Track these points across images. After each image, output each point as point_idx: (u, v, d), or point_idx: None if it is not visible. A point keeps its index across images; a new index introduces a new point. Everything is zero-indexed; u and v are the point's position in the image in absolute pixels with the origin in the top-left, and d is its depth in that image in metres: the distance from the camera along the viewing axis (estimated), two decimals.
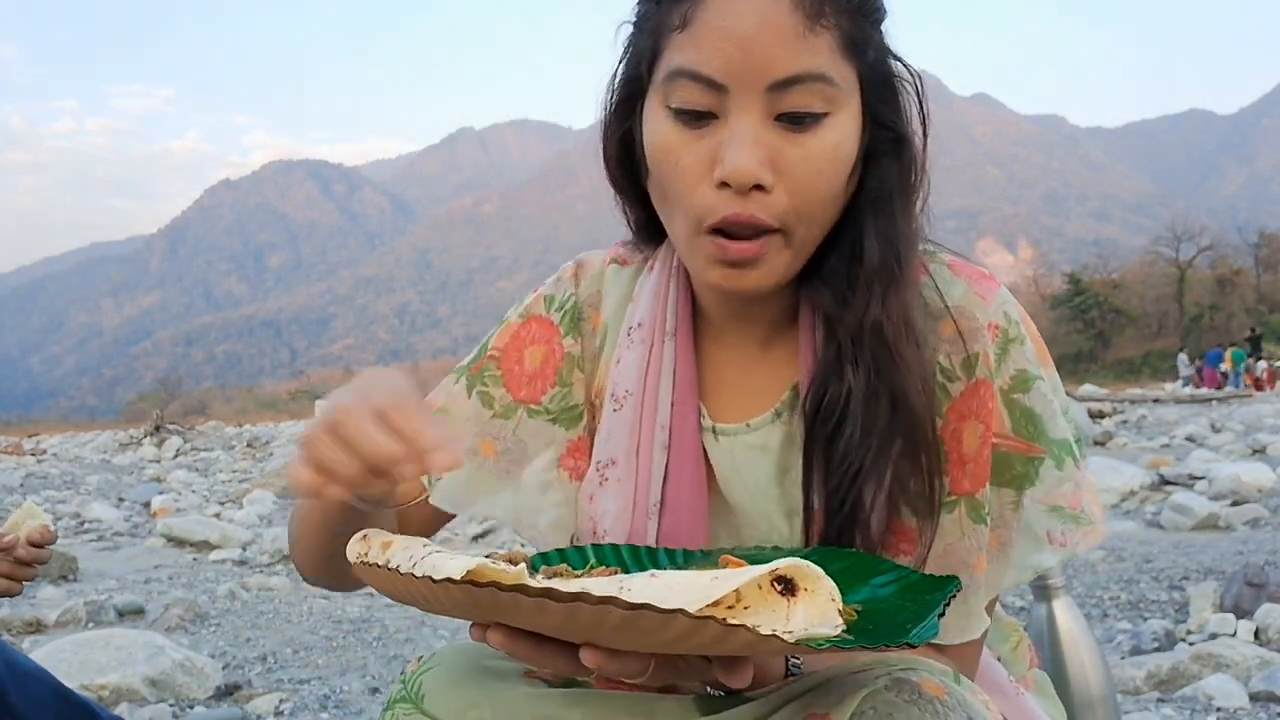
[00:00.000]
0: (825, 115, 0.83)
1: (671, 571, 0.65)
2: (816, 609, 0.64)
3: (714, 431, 0.96)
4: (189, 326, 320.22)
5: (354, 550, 0.71)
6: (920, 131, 0.90)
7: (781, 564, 0.63)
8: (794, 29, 0.81)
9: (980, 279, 0.92)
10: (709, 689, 0.84)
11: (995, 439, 0.89)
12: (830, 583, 0.65)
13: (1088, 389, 21.34)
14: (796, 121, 0.83)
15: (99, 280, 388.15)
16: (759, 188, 0.82)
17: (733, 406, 0.97)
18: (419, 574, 0.63)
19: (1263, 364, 27.13)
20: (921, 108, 0.90)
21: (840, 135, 0.84)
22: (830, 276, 0.90)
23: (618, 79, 0.94)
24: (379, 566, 0.67)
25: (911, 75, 0.90)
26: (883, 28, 0.88)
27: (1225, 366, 26.83)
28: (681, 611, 0.58)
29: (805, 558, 0.84)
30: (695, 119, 0.84)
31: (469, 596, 0.62)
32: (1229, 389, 23.85)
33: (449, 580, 0.61)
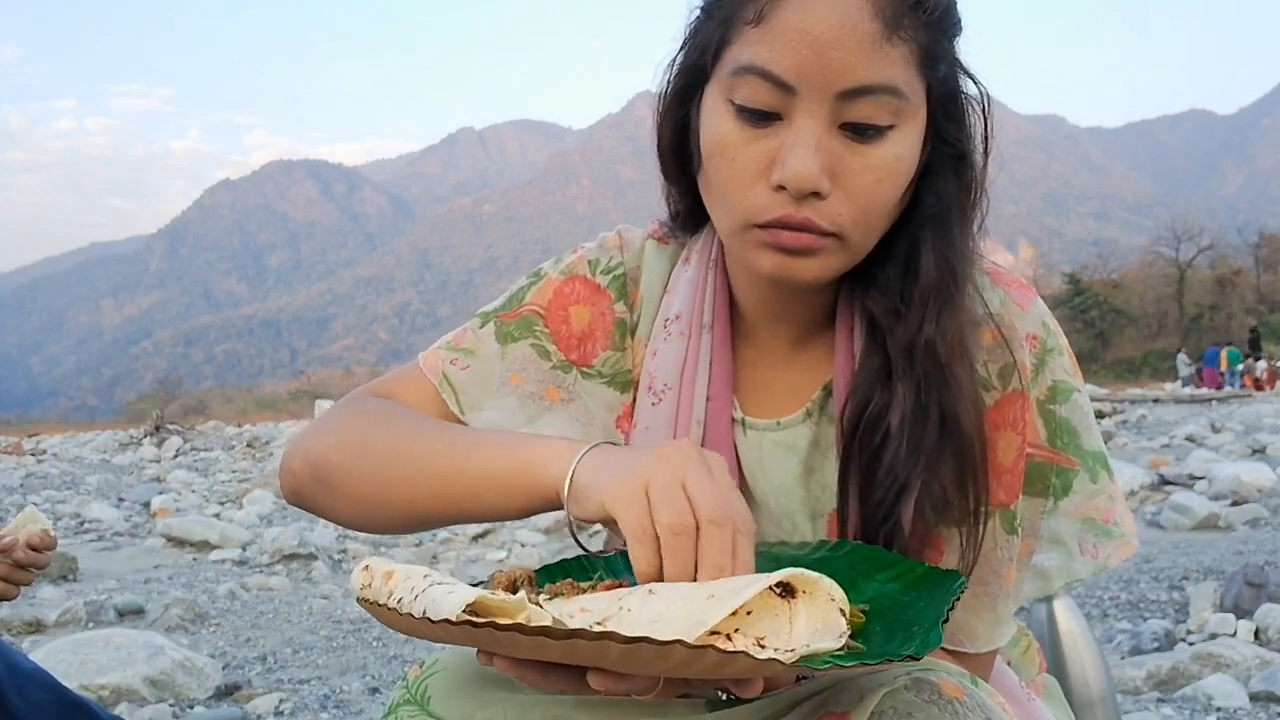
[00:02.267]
0: (890, 128, 0.81)
1: (671, 586, 0.64)
2: (818, 612, 0.63)
3: (743, 425, 0.96)
4: (189, 326, 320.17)
5: (357, 581, 0.71)
6: (982, 150, 0.89)
7: (778, 575, 0.63)
8: (872, 37, 0.78)
9: (1018, 288, 0.92)
10: (720, 693, 0.84)
11: (1031, 449, 0.88)
12: (829, 583, 0.65)
13: (1088, 389, 21.28)
14: (861, 132, 0.81)
15: (99, 280, 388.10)
16: (816, 194, 0.81)
17: (763, 402, 0.96)
18: (417, 613, 0.64)
19: (1262, 364, 27.11)
20: (986, 126, 0.89)
21: (903, 149, 0.82)
22: (885, 288, 0.88)
23: (678, 64, 0.91)
24: (380, 605, 0.67)
25: (980, 93, 0.88)
26: (957, 42, 0.87)
27: (1222, 366, 26.82)
28: (680, 642, 0.58)
29: (809, 552, 0.83)
30: (759, 118, 0.82)
31: (467, 635, 0.62)
32: (1228, 389, 23.84)
33: (447, 621, 0.61)
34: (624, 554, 0.90)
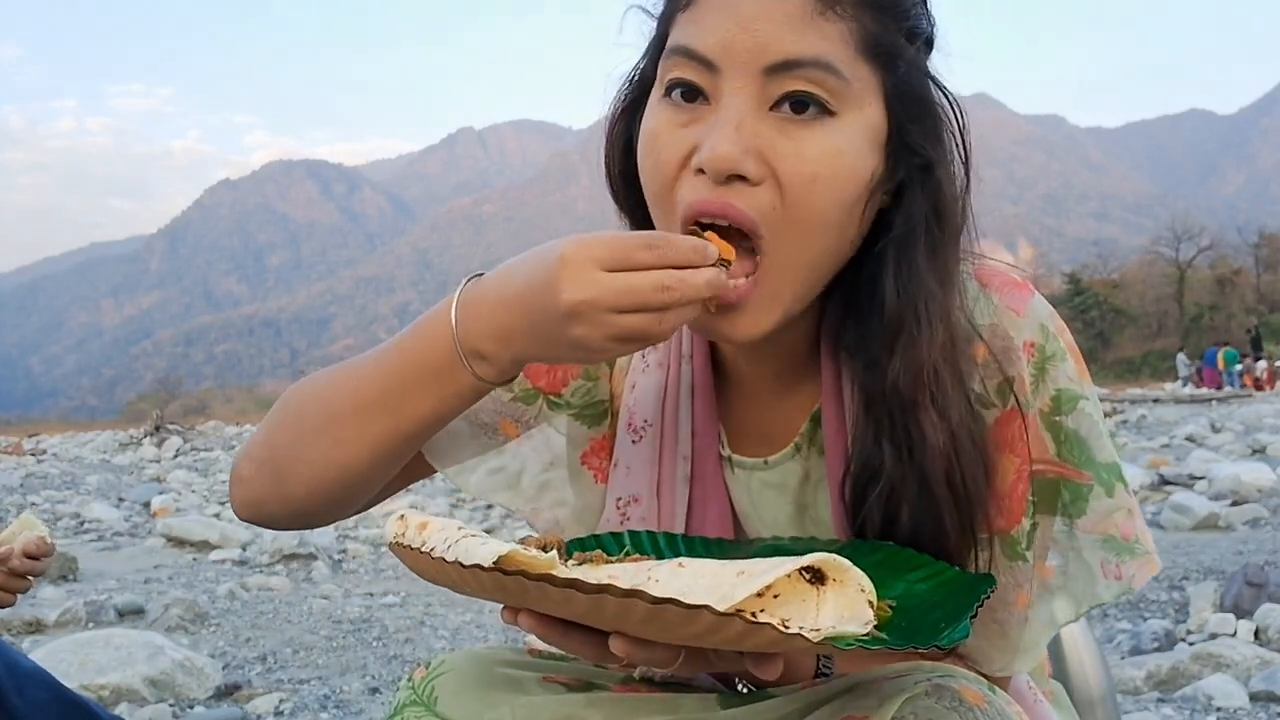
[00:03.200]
0: (830, 115, 0.75)
1: (700, 561, 0.64)
2: (846, 600, 0.63)
3: (730, 463, 0.92)
4: (189, 326, 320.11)
5: (391, 530, 0.71)
6: (962, 167, 0.81)
7: (809, 559, 0.63)
8: (801, 10, 0.74)
9: (1012, 290, 0.83)
10: (738, 682, 0.82)
11: (1040, 465, 0.81)
12: (859, 574, 0.64)
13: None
14: (799, 109, 0.75)
15: (99, 280, 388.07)
16: (741, 179, 0.74)
17: (748, 438, 0.92)
18: (450, 559, 0.64)
19: (1262, 363, 27.10)
20: (963, 140, 0.81)
21: (845, 142, 0.75)
22: (851, 338, 0.82)
23: (626, 81, 0.88)
24: (413, 549, 0.67)
25: (951, 104, 0.81)
26: (926, 52, 0.81)
27: (1220, 367, 26.83)
28: (706, 608, 0.58)
29: (839, 550, 0.81)
30: (685, 99, 0.77)
31: (497, 583, 0.62)
32: (1228, 389, 23.84)
33: (478, 567, 0.61)
34: (651, 534, 0.88)
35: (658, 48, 0.83)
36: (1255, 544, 5.08)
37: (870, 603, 0.64)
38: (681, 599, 0.58)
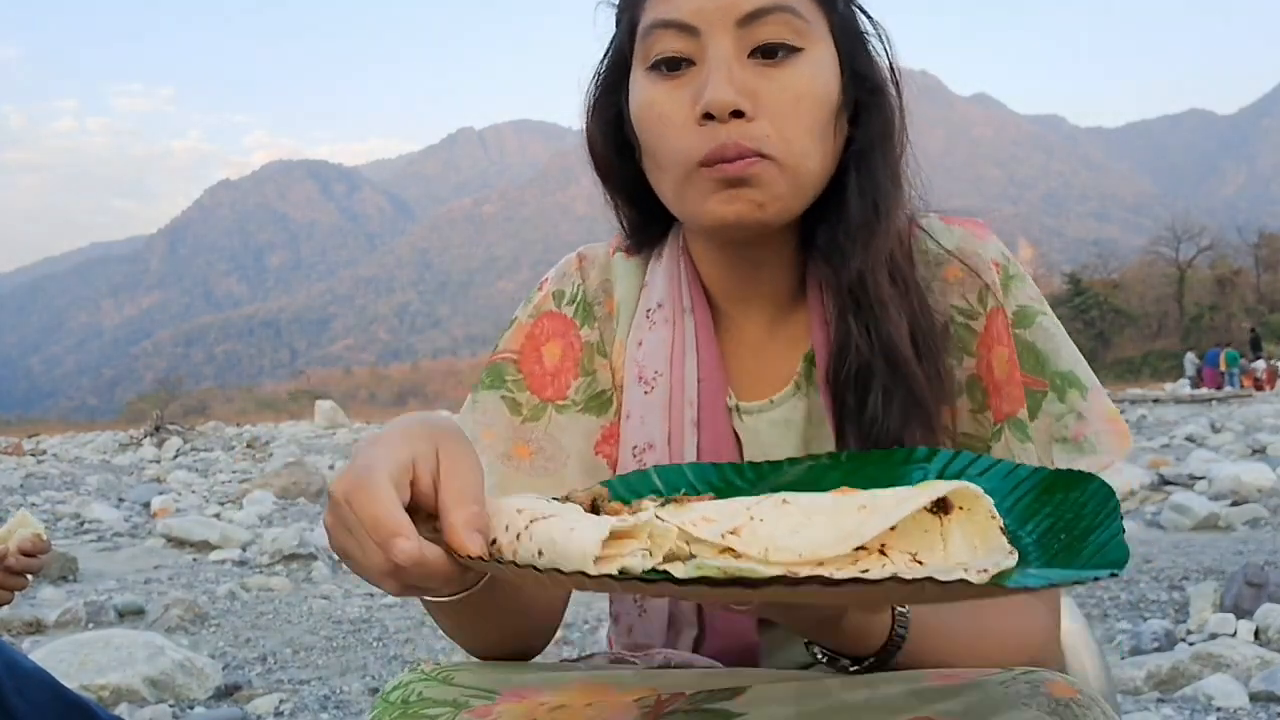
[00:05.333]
0: (799, 50, 0.87)
1: (804, 496, 0.58)
2: (975, 529, 0.57)
3: (738, 410, 0.96)
4: (189, 326, 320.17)
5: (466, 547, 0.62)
6: (893, 84, 0.93)
7: (941, 488, 0.57)
8: None
9: (973, 225, 0.96)
10: (810, 647, 0.78)
11: None
12: (989, 500, 0.58)
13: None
14: (770, 55, 0.86)
15: (99, 280, 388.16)
16: (740, 115, 0.85)
17: (751, 386, 0.97)
18: (542, 567, 0.56)
19: (1261, 363, 27.12)
20: (890, 60, 0.94)
21: (816, 69, 0.87)
22: (823, 242, 0.92)
23: (602, 66, 0.97)
24: (501, 563, 0.59)
25: (877, 30, 0.94)
26: None
27: (1221, 367, 26.86)
28: (895, 579, 0.50)
29: (869, 460, 0.78)
30: (673, 67, 0.88)
31: (627, 588, 0.54)
32: (1228, 389, 23.85)
33: (601, 576, 0.53)
34: (677, 467, 0.83)
35: (629, 32, 0.92)
36: (1255, 544, 5.09)
37: (1002, 529, 0.58)
38: (796, 549, 0.52)
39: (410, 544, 0.60)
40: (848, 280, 0.89)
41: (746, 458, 0.95)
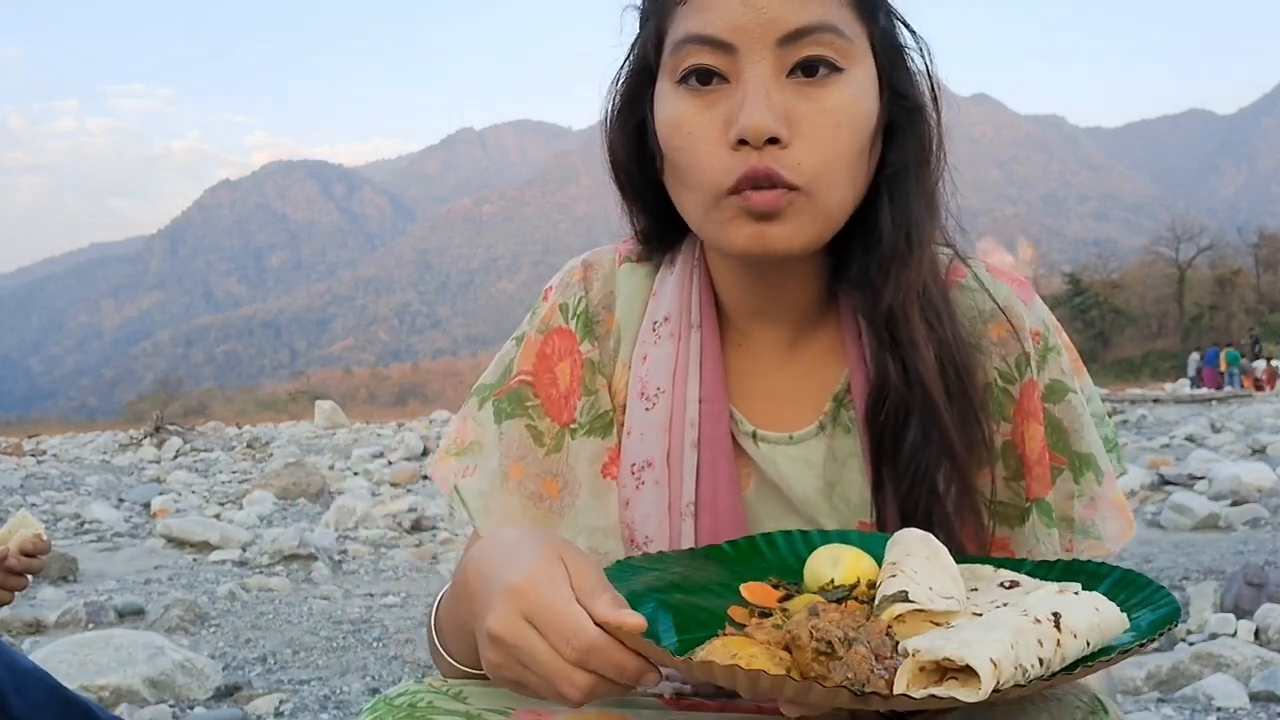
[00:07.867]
0: (840, 70, 0.82)
1: (995, 616, 0.66)
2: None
3: (754, 437, 0.94)
4: (189, 327, 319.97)
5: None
6: (932, 102, 0.89)
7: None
8: None
9: (1019, 284, 0.93)
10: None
11: None
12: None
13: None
14: (810, 73, 0.81)
15: (99, 281, 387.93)
16: (775, 142, 0.80)
17: (769, 410, 0.94)
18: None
19: (1261, 363, 27.12)
20: (930, 77, 0.89)
21: (857, 90, 0.83)
22: (855, 273, 0.89)
23: (624, 73, 0.92)
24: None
25: (918, 44, 0.89)
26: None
27: (1221, 367, 26.87)
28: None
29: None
30: (705, 81, 0.83)
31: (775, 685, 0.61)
32: (1228, 389, 23.85)
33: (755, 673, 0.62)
34: (730, 541, 0.87)
35: (655, 41, 0.87)
36: (1255, 544, 5.09)
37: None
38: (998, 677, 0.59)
39: (606, 608, 0.66)
40: (881, 314, 0.87)
41: (760, 486, 0.94)
